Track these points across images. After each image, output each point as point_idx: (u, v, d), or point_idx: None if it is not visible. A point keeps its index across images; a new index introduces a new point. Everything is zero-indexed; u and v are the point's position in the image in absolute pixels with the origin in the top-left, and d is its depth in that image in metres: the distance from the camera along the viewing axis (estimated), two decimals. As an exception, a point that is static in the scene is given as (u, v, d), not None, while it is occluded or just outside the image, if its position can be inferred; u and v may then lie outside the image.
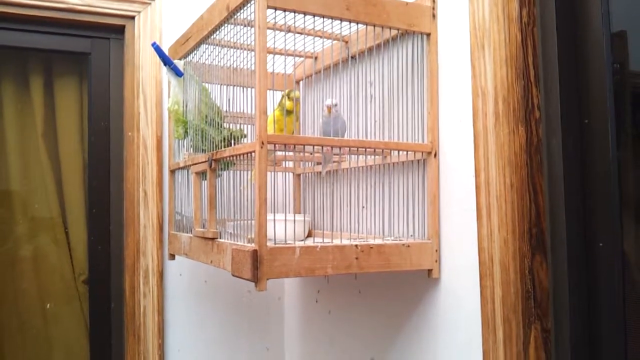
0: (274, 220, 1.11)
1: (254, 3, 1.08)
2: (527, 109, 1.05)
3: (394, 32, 1.22)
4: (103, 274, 1.77)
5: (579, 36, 1.04)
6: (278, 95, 1.50)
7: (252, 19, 1.10)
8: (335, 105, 1.30)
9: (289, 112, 1.33)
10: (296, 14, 1.12)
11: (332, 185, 1.49)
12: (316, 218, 1.59)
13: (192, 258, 1.37)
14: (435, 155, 1.21)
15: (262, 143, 1.04)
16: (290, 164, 1.68)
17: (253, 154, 1.08)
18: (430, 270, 1.19)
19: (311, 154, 1.26)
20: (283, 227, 1.12)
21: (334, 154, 1.33)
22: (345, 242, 1.14)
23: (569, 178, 1.03)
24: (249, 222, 1.14)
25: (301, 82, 1.73)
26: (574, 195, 1.03)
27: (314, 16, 1.13)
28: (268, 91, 1.07)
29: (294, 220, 1.16)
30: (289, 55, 1.51)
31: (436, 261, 1.19)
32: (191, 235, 1.36)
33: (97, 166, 1.79)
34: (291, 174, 1.69)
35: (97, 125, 1.79)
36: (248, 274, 1.01)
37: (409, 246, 1.16)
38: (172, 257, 1.55)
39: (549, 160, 1.05)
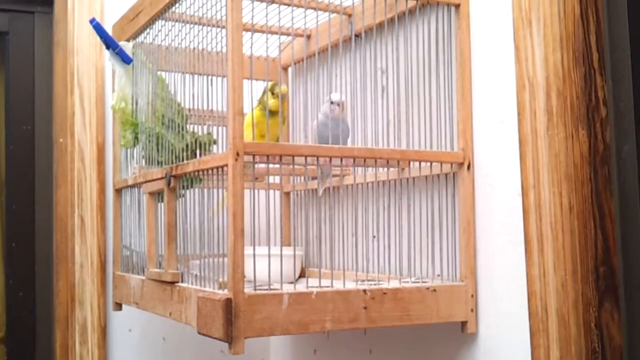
0: (254, 255, 1.12)
1: (225, -33, 1.09)
2: (589, 106, 1.06)
3: (411, 2, 1.23)
4: (26, 330, 1.77)
5: (658, 8, 1.06)
6: (260, 87, 1.52)
7: (223, -14, 1.11)
8: (343, 102, 1.31)
9: (272, 113, 1.35)
10: (281, -18, 1.14)
11: (333, 207, 1.49)
12: (311, 252, 1.60)
13: (145, 309, 1.37)
14: (468, 167, 1.22)
15: (237, 154, 1.05)
16: (277, 179, 1.69)
17: (225, 168, 1.09)
18: (464, 323, 1.20)
19: (304, 166, 1.27)
20: (266, 265, 1.13)
21: (335, 166, 1.34)
22: (350, 285, 1.14)
23: (648, 198, 1.04)
24: (221, 260, 1.15)
25: (290, 69, 1.75)
26: (654, 221, 1.04)
27: (304, -16, 1.15)
28: (245, 82, 1.08)
29: (281, 255, 1.17)
30: (272, 33, 1.52)
31: (472, 310, 1.20)
32: (143, 277, 1.37)
33: (18, 184, 1.79)
34: (278, 192, 1.70)
35: (17, 129, 1.80)
36: (219, 332, 1.01)
37: (435, 290, 1.17)
38: (119, 306, 1.56)
39: (619, 174, 1.06)
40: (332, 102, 1.32)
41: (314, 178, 1.54)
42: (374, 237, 1.38)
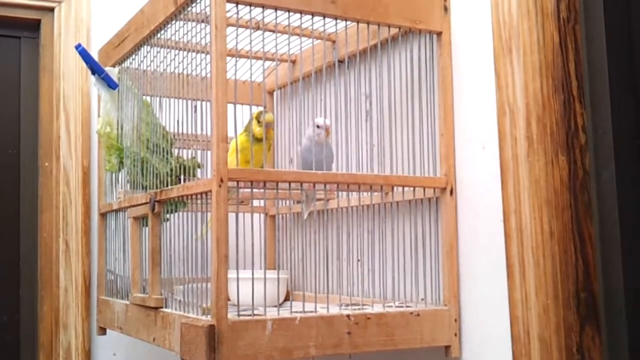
0: (237, 278, 1.11)
1: (209, -5, 1.10)
2: (569, 132, 1.07)
3: (394, 30, 1.24)
4: (11, 353, 1.75)
5: (635, 36, 1.07)
6: (245, 111, 1.52)
7: (208, 14, 1.11)
8: (328, 126, 1.31)
9: (257, 140, 1.35)
10: (265, 9, 1.14)
11: (317, 231, 1.49)
12: (296, 274, 1.59)
13: (129, 334, 1.36)
14: (451, 192, 1.22)
15: (221, 180, 1.05)
16: (262, 202, 1.69)
17: (209, 194, 1.08)
18: (447, 348, 1.19)
19: (288, 190, 1.27)
20: (250, 289, 1.12)
21: (319, 190, 1.34)
22: (334, 310, 1.14)
23: (626, 223, 1.04)
24: (204, 285, 1.14)
25: (275, 93, 1.75)
26: (634, 247, 1.04)
27: (288, 12, 1.16)
28: (230, 106, 1.08)
29: (265, 279, 1.16)
30: (257, 58, 1.53)
31: (455, 335, 1.19)
32: (128, 302, 1.36)
33: (2, 208, 1.79)
34: (262, 215, 1.70)
35: (2, 153, 1.79)
36: (202, 359, 1.01)
37: (419, 315, 1.17)
38: (103, 331, 1.54)
39: (599, 200, 1.06)
40: (317, 126, 1.32)
41: (298, 202, 1.54)
42: (358, 260, 1.38)
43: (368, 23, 1.20)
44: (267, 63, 1.62)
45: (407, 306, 1.21)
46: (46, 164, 1.73)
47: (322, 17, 1.18)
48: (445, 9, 1.24)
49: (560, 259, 1.05)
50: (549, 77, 1.07)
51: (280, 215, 1.69)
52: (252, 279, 1.11)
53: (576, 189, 1.06)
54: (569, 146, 1.06)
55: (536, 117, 1.07)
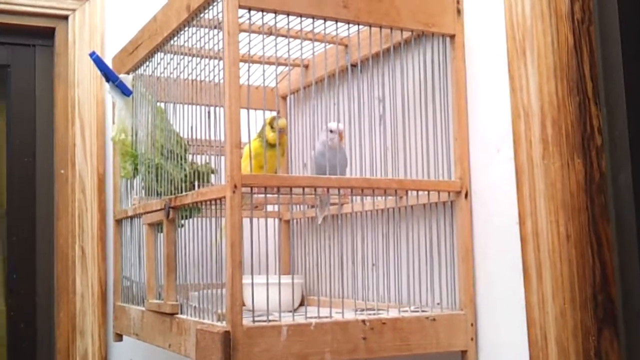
0: (252, 283, 1.11)
1: (222, 2, 1.10)
2: (584, 134, 1.06)
3: (407, 33, 1.24)
4: (27, 360, 1.76)
5: (650, 36, 1.06)
6: (259, 116, 1.52)
7: (220, 20, 1.12)
8: (342, 130, 1.31)
9: (271, 145, 1.35)
10: (277, 15, 1.14)
11: (332, 235, 1.49)
12: (310, 279, 1.59)
13: (145, 340, 1.36)
14: (466, 195, 1.21)
15: (235, 186, 1.05)
16: (276, 207, 1.69)
17: (223, 200, 1.08)
18: (464, 353, 1.19)
19: (302, 195, 1.27)
20: (265, 294, 1.12)
21: (333, 195, 1.34)
22: (349, 315, 1.14)
23: (644, 225, 1.03)
24: (219, 291, 1.14)
25: (288, 98, 1.75)
26: (652, 248, 1.03)
27: (300, 17, 1.16)
28: (243, 112, 1.08)
29: (279, 284, 1.16)
30: (269, 63, 1.53)
31: (472, 339, 1.19)
32: (143, 308, 1.36)
33: (19, 215, 1.80)
34: (277, 220, 1.70)
35: (18, 160, 1.81)
36: (218, 365, 1.01)
37: (434, 319, 1.16)
38: (119, 337, 1.55)
39: (616, 202, 1.05)
40: (330, 131, 1.32)
41: (312, 206, 1.54)
42: (373, 265, 1.38)
43: (380, 27, 1.20)
44: (280, 68, 1.62)
45: (422, 311, 1.20)
46: (62, 171, 1.74)
47: (334, 22, 1.18)
48: (458, 11, 1.24)
49: (577, 262, 1.04)
50: (563, 79, 1.06)
51: (295, 220, 1.69)
52: (267, 284, 1.11)
53: (592, 192, 1.05)
54: (585, 148, 1.06)
55: (551, 119, 1.06)
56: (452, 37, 1.24)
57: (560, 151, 1.06)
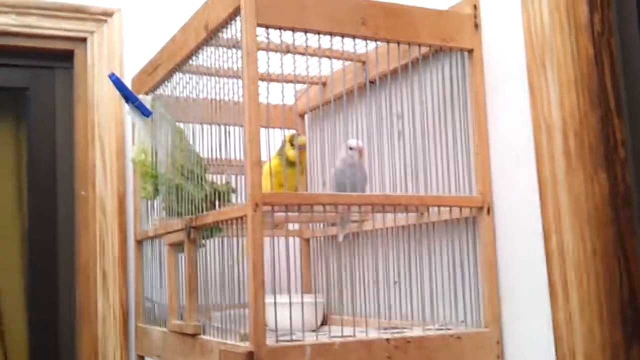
0: (275, 303, 1.10)
1: (240, 20, 1.11)
2: (608, 147, 1.05)
3: (424, 48, 1.24)
4: (50, 383, 1.76)
5: (673, 47, 1.05)
6: (277, 134, 1.52)
7: (239, 39, 1.12)
8: (361, 147, 1.31)
9: (291, 163, 1.35)
10: (295, 32, 1.15)
11: (353, 253, 1.48)
12: (332, 298, 1.58)
13: (168, 361, 1.36)
14: (488, 211, 1.20)
15: (256, 205, 1.05)
16: (296, 225, 1.68)
17: (244, 219, 1.08)
18: (490, 370, 1.18)
19: (322, 213, 1.27)
20: (286, 313, 1.11)
21: (354, 212, 1.33)
22: (373, 334, 1.13)
23: (672, 238, 1.02)
24: (242, 311, 1.14)
25: (306, 116, 1.75)
26: (680, 261, 1.02)
27: (318, 34, 1.16)
28: (262, 130, 1.08)
29: (302, 303, 1.16)
30: (288, 81, 1.53)
31: (498, 357, 1.17)
32: (165, 329, 1.36)
33: (40, 237, 1.79)
34: (297, 239, 1.69)
35: (39, 182, 1.81)
36: (241, 386, 1.00)
37: (459, 338, 1.15)
38: (141, 359, 1.55)
39: (642, 215, 1.04)
40: (350, 148, 1.32)
41: (333, 224, 1.53)
42: (395, 282, 1.37)
43: (398, 43, 1.20)
44: (298, 86, 1.62)
45: (447, 329, 1.19)
46: (82, 192, 1.74)
47: (352, 38, 1.18)
48: (476, 25, 1.23)
49: (604, 277, 1.03)
50: (584, 91, 1.06)
51: (315, 239, 1.68)
52: (290, 303, 1.10)
53: (618, 205, 1.04)
54: (609, 161, 1.05)
55: (573, 132, 1.05)
56: (470, 51, 1.23)
57: (584, 165, 1.04)
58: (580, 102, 1.06)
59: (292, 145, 1.36)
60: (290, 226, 1.66)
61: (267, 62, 1.42)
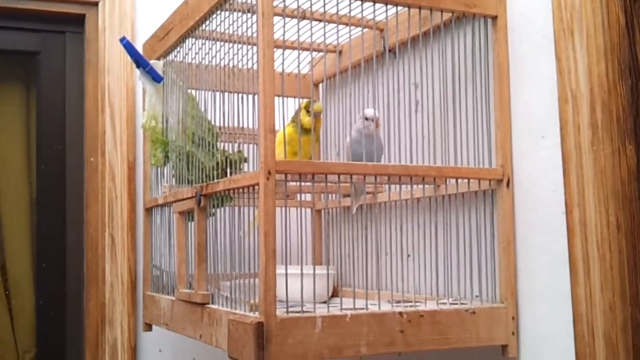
0: (286, 274, 1.08)
1: (255, -18, 1.07)
2: (637, 119, 1.01)
3: (446, 15, 1.20)
4: (56, 350, 1.76)
5: None
6: (290, 104, 1.49)
7: (254, 3, 1.09)
8: (377, 118, 1.28)
9: (305, 131, 1.32)
10: (312, -4, 1.11)
11: (366, 225, 1.46)
12: (344, 270, 1.56)
13: (175, 330, 1.34)
14: (508, 184, 1.17)
15: (269, 173, 1.02)
16: (308, 196, 1.66)
17: (256, 187, 1.05)
18: (505, 347, 1.15)
19: (337, 184, 1.24)
20: (298, 284, 1.09)
21: (368, 183, 1.30)
22: (386, 307, 1.10)
23: (701, 215, 0.98)
24: (252, 280, 1.11)
25: (320, 85, 1.71)
26: None
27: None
28: (277, 99, 1.05)
29: (314, 275, 1.13)
30: (304, 49, 1.49)
31: (513, 334, 1.14)
32: (174, 298, 1.34)
33: (49, 204, 1.79)
34: (309, 210, 1.67)
35: (48, 148, 1.79)
36: (251, 357, 0.98)
37: (474, 312, 1.12)
38: (149, 327, 1.53)
39: (670, 191, 1.01)
40: (366, 119, 1.28)
41: (346, 195, 1.50)
42: (408, 255, 1.34)
43: (420, 8, 1.15)
44: (314, 54, 1.59)
45: (462, 303, 1.16)
46: (92, 159, 1.74)
47: (372, 3, 1.14)
48: (501, -9, 1.19)
49: (628, 253, 0.99)
50: (614, 60, 1.02)
51: (328, 210, 1.65)
52: (302, 274, 1.07)
53: (645, 180, 1.00)
54: (637, 134, 1.01)
55: (601, 103, 1.02)
56: (494, 18, 1.19)
57: (611, 137, 1.01)
58: (609, 71, 1.02)
59: (307, 112, 1.33)
60: (302, 197, 1.64)
61: (283, 29, 1.38)
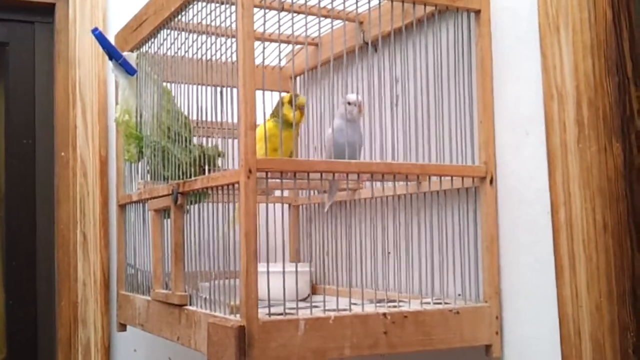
0: (268, 272, 1.05)
1: (234, -27, 1.04)
2: (623, 117, 1.00)
3: (429, 8, 1.18)
4: (28, 351, 1.73)
5: (694, 12, 1.00)
6: (267, 98, 1.46)
7: (232, -6, 1.06)
8: (361, 102, 1.25)
9: (288, 125, 1.29)
10: (292, -12, 1.08)
11: (347, 222, 1.44)
12: (324, 267, 1.54)
13: (151, 331, 1.31)
14: (491, 181, 1.16)
15: (250, 171, 0.99)
16: (286, 193, 1.63)
17: (235, 185, 1.03)
18: (488, 347, 1.14)
19: (316, 180, 1.21)
20: (277, 282, 1.06)
21: (350, 180, 1.28)
22: (369, 308, 1.08)
23: (688, 215, 0.98)
24: (231, 281, 1.09)
25: (298, 78, 1.69)
26: (694, 239, 0.98)
27: (317, -10, 1.09)
28: (257, 93, 1.02)
29: (296, 273, 1.11)
30: (283, 42, 1.46)
31: (497, 333, 1.13)
32: (149, 298, 1.31)
33: (18, 200, 1.75)
34: (287, 205, 1.64)
35: (17, 143, 1.76)
36: (232, 361, 0.95)
37: (458, 312, 1.11)
38: (123, 327, 1.50)
39: (657, 190, 1.00)
40: (349, 103, 1.26)
41: (323, 192, 1.48)
42: (388, 253, 1.32)
43: (403, 1, 1.13)
44: (290, 47, 1.56)
45: (445, 303, 1.15)
46: (62, 154, 1.71)
47: (353, -4, 1.11)
48: (485, -15, 1.17)
49: (615, 253, 0.99)
50: (601, 57, 1.00)
51: (305, 206, 1.63)
52: (284, 272, 1.05)
53: (632, 178, 1.00)
54: (624, 132, 1.00)
55: (587, 100, 1.00)
56: (477, 12, 1.17)
57: (597, 134, 1.00)
58: (595, 68, 1.00)
59: (291, 105, 1.30)
60: (278, 193, 1.61)
61: (264, 17, 1.35)
